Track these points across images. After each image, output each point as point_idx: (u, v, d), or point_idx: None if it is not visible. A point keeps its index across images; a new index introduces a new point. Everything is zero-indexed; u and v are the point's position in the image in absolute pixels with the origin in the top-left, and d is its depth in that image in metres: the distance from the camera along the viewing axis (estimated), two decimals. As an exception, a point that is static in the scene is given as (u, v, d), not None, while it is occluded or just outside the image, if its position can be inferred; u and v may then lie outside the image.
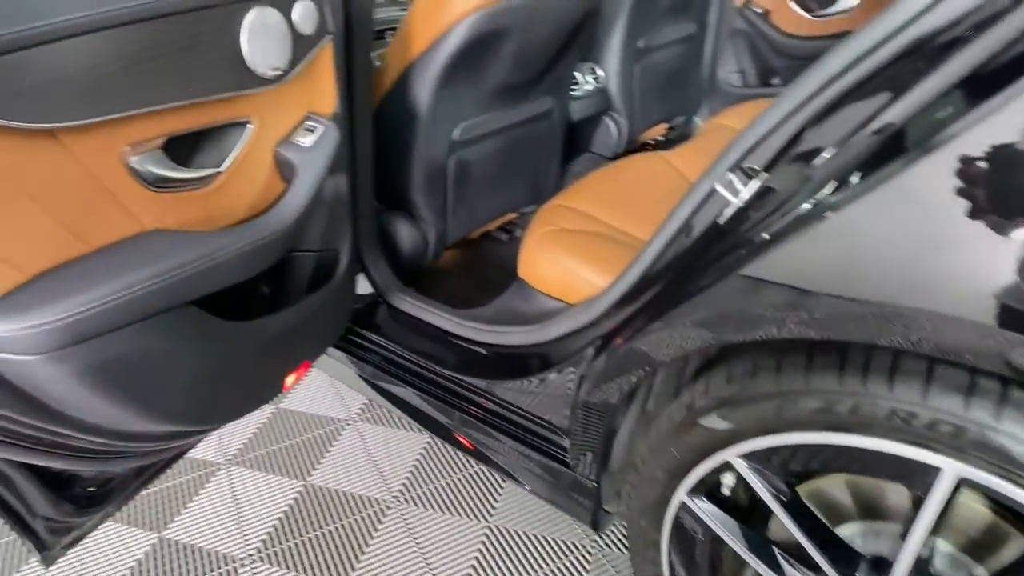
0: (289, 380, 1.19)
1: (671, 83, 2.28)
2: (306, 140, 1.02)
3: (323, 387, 1.94)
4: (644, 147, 2.44)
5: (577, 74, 1.94)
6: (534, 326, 1.22)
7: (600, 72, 2.00)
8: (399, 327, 1.43)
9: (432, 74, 1.34)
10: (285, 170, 1.03)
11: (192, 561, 1.42)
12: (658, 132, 2.44)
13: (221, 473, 1.65)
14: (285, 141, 1.02)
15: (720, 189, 0.84)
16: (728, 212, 0.84)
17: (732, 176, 0.84)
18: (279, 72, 0.94)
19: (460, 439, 1.38)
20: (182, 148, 0.87)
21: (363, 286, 1.48)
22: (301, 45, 0.97)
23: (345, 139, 1.17)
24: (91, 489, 1.01)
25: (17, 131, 0.65)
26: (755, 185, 0.82)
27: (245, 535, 1.48)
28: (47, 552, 0.98)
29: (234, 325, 0.97)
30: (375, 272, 1.45)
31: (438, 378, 1.36)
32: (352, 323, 1.48)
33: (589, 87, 1.96)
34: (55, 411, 0.80)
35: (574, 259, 1.24)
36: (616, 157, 2.17)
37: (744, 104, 2.04)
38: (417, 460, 1.67)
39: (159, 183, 0.83)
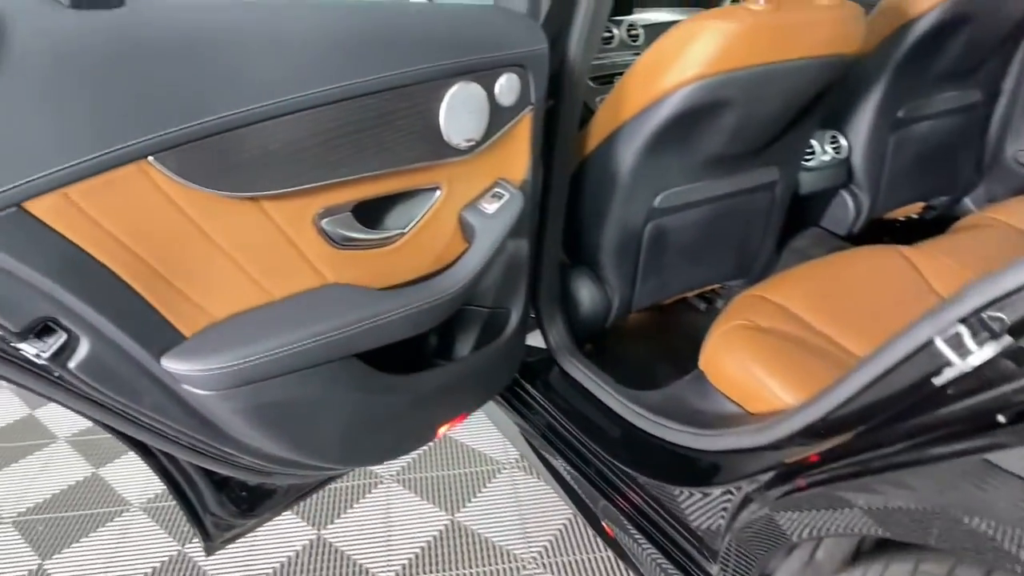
0: (441, 429, 1.21)
1: (936, 158, 1.95)
2: (490, 207, 1.02)
3: (490, 424, 1.97)
4: (888, 227, 2.13)
5: (814, 142, 1.74)
6: (702, 431, 1.11)
7: (843, 141, 1.78)
8: (563, 392, 1.39)
9: (639, 141, 1.28)
10: (467, 232, 1.04)
11: (340, 566, 1.51)
12: (912, 210, 2.11)
13: (382, 487, 1.74)
14: (470, 205, 1.03)
15: (941, 345, 0.67)
16: (949, 374, 0.68)
17: (962, 330, 0.67)
18: (472, 143, 0.95)
19: (603, 525, 1.30)
20: (370, 208, 0.92)
21: (539, 339, 1.47)
22: (499, 117, 0.98)
23: (534, 205, 1.16)
24: (253, 495, 1.12)
25: (225, 198, 0.72)
26: (994, 349, 0.64)
27: (389, 554, 1.54)
28: (210, 543, 1.09)
29: (392, 379, 1.01)
30: (550, 331, 1.43)
31: (592, 456, 1.29)
32: (520, 375, 1.47)
33: (827, 158, 1.75)
34: (224, 433, 0.88)
35: (762, 365, 1.10)
36: (851, 236, 1.92)
37: (1015, 203, 1.67)
38: (563, 525, 1.62)
39: (344, 242, 0.88)
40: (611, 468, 1.25)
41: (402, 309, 0.92)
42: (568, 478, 1.36)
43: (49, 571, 1.55)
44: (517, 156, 1.06)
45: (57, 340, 0.65)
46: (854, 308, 1.23)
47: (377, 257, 0.93)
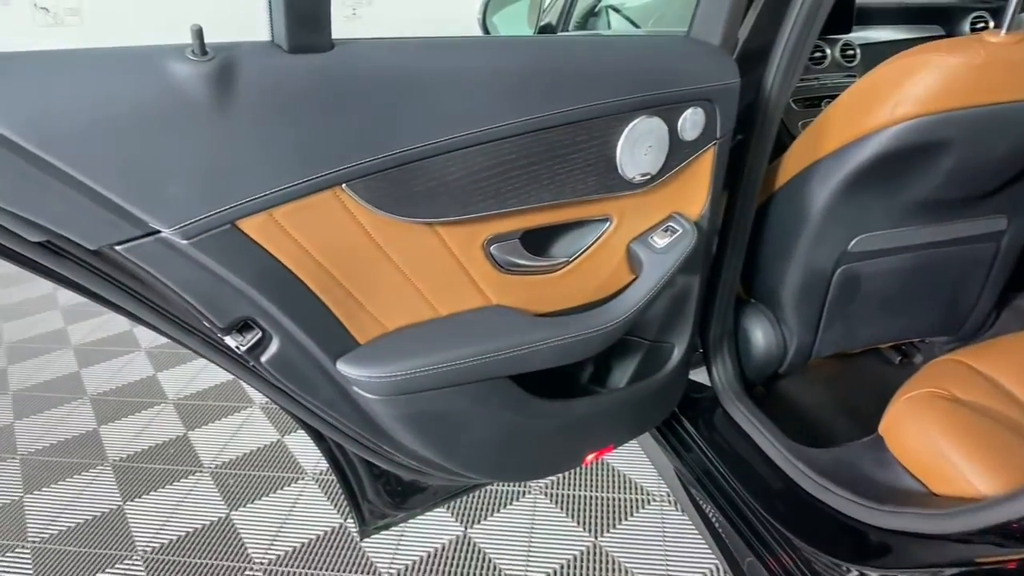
0: (589, 456, 1.21)
1: None
2: (661, 241, 1.00)
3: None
4: None
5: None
6: (875, 504, 1.01)
7: (1101, 191, 1.51)
8: (723, 436, 1.32)
9: (836, 179, 1.18)
10: (634, 265, 1.03)
11: (481, 566, 1.56)
12: None
13: (529, 498, 1.77)
14: (640, 238, 1.02)
15: None
16: None
17: None
18: (648, 177, 0.94)
19: None
20: (538, 235, 0.94)
21: (704, 376, 1.41)
22: (680, 151, 0.96)
23: (710, 240, 1.12)
24: (407, 490, 1.20)
25: (405, 223, 0.78)
26: None
27: (528, 564, 1.57)
28: (364, 527, 1.19)
29: (543, 403, 1.02)
30: (716, 369, 1.37)
31: (745, 508, 1.22)
32: (679, 411, 1.42)
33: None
34: (385, 433, 0.96)
35: (954, 442, 0.98)
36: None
37: None
38: (707, 571, 1.54)
39: (510, 267, 0.91)
40: (765, 524, 1.17)
41: (559, 338, 0.93)
42: (717, 526, 1.30)
43: (235, 521, 1.77)
44: (695, 190, 1.03)
45: (253, 336, 0.75)
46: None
47: (541, 283, 0.95)
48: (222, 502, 1.84)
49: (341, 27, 0.66)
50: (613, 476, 1.83)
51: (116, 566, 1.65)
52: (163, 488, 1.91)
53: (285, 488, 1.87)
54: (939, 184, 1.20)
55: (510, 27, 2.12)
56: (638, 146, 0.90)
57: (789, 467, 1.17)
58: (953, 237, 1.33)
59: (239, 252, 0.67)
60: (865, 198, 1.22)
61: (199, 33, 0.59)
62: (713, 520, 1.31)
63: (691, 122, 0.94)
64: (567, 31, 2.18)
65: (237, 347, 0.75)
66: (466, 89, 0.75)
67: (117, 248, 0.63)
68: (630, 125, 0.88)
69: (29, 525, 1.81)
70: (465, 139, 0.76)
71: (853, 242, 1.28)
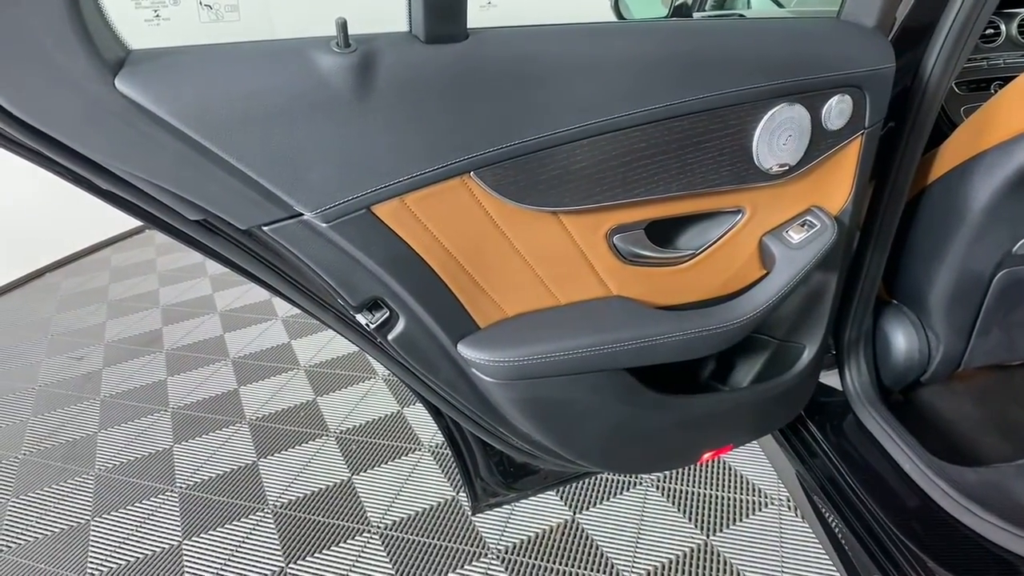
0: (706, 455, 1.17)
1: None
2: (797, 236, 0.95)
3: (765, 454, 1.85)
4: None
5: None
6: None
7: None
8: (854, 444, 1.24)
9: (1003, 174, 1.06)
10: (766, 260, 0.98)
11: (588, 552, 1.57)
12: None
13: (640, 489, 1.75)
14: (774, 232, 0.97)
15: None
16: None
17: None
18: (786, 168, 0.89)
19: None
20: (664, 225, 0.92)
21: (836, 379, 1.33)
22: (822, 141, 0.90)
23: (852, 236, 1.04)
24: (519, 472, 1.21)
25: (529, 211, 0.79)
26: None
27: (636, 555, 1.56)
28: (476, 503, 1.22)
29: (661, 397, 1.00)
30: (850, 373, 1.28)
31: (874, 523, 1.14)
32: (806, 413, 1.35)
33: None
34: (501, 415, 0.98)
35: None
36: None
37: None
38: (829, 584, 1.46)
39: (633, 257, 0.90)
40: (895, 542, 1.09)
41: (681, 333, 0.91)
42: (841, 538, 1.22)
43: (356, 485, 1.88)
44: (838, 183, 0.97)
45: (382, 316, 0.79)
46: None
47: (665, 275, 0.93)
48: (345, 466, 1.95)
49: (476, 16, 0.67)
50: (729, 475, 1.77)
51: (249, 517, 1.81)
52: (292, 448, 2.06)
53: (403, 457, 1.96)
54: None
55: (643, 11, 2.06)
56: (777, 135, 0.85)
57: (927, 483, 1.08)
58: None
59: (373, 236, 0.71)
60: (1038, 195, 1.09)
61: (343, 26, 0.61)
62: (837, 531, 1.24)
63: (837, 110, 0.87)
64: (703, 11, 2.09)
65: (367, 324, 0.79)
66: (598, 76, 0.74)
67: (264, 228, 0.68)
68: (769, 113, 0.84)
69: (177, 472, 2.02)
70: (595, 127, 0.75)
71: (1020, 244, 1.16)
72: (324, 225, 0.68)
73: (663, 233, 0.93)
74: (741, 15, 1.95)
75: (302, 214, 0.67)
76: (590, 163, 0.77)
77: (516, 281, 0.84)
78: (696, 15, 2.07)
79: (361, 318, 0.80)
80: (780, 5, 1.94)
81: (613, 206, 0.83)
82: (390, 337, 0.82)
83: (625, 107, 0.76)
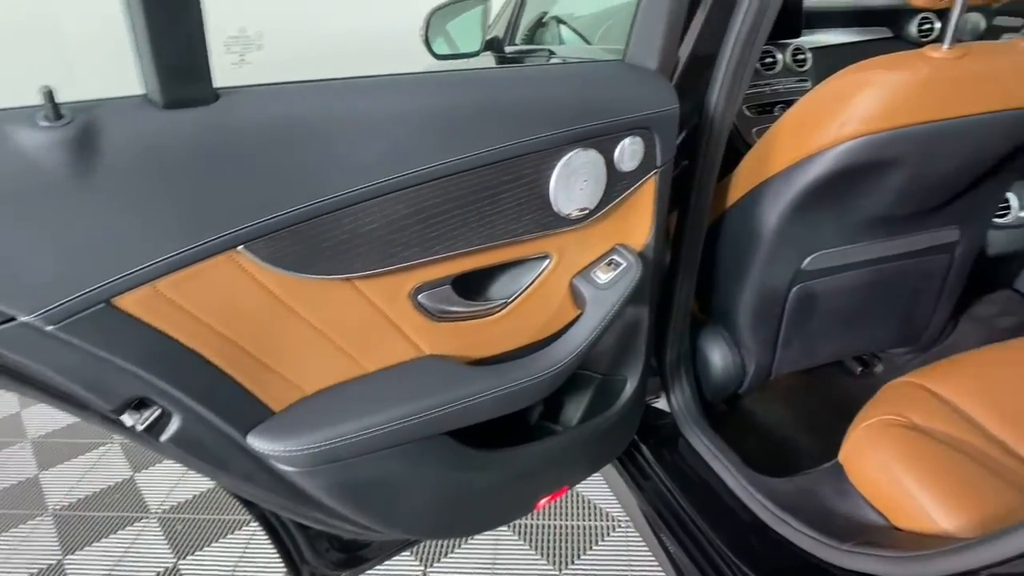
0: (542, 501, 1.15)
1: None
2: (604, 276, 0.95)
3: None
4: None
5: (1011, 196, 1.48)
6: (835, 542, 0.97)
7: (1049, 195, 1.50)
8: (682, 465, 1.28)
9: (786, 199, 1.15)
10: (578, 301, 0.98)
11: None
12: None
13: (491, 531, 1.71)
14: (583, 273, 0.96)
15: None
16: None
17: None
18: (586, 212, 0.89)
19: None
20: (472, 278, 0.88)
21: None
22: (618, 183, 0.91)
23: (657, 268, 1.07)
24: (349, 548, 1.13)
25: (317, 280, 0.72)
26: None
27: (492, 603, 1.51)
28: (308, 592, 1.12)
29: (487, 456, 0.96)
30: (674, 394, 1.32)
31: (706, 543, 1.17)
32: (639, 437, 1.37)
33: (1024, 214, 1.49)
34: (313, 501, 0.88)
35: (912, 472, 0.94)
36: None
37: None
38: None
39: (443, 314, 0.85)
40: (726, 560, 1.13)
41: (500, 388, 0.87)
42: (676, 560, 1.25)
43: (67, 569, 1.68)
44: (638, 220, 0.99)
45: (152, 414, 0.68)
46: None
47: (478, 327, 0.89)
48: (57, 547, 1.76)
49: (228, 74, 0.59)
50: (577, 502, 1.78)
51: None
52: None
53: (235, 533, 1.78)
54: (890, 200, 1.17)
55: (459, 42, 2.05)
56: (573, 181, 0.85)
57: (749, 498, 1.13)
58: (907, 250, 1.31)
59: (119, 331, 0.60)
60: (816, 217, 1.18)
61: (50, 95, 0.51)
62: (673, 553, 1.27)
63: (629, 152, 0.89)
64: (515, 44, 2.12)
65: (134, 426, 0.68)
66: (378, 133, 0.69)
67: None
68: (564, 159, 0.83)
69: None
70: (378, 187, 0.69)
71: (807, 260, 1.25)
72: (50, 327, 0.57)
73: (472, 285, 0.89)
74: (550, 51, 2.00)
75: (14, 318, 0.56)
76: (380, 224, 0.72)
77: (313, 355, 0.77)
78: (508, 49, 2.10)
79: (127, 418, 0.68)
80: (587, 42, 2.01)
81: (413, 265, 0.78)
82: (163, 439, 0.71)
83: (412, 163, 0.71)
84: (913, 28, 2.09)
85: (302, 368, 0.77)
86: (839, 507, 1.04)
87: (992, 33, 2.03)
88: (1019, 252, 1.53)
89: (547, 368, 0.91)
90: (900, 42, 2.13)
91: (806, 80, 1.93)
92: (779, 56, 1.90)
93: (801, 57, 1.93)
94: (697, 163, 1.09)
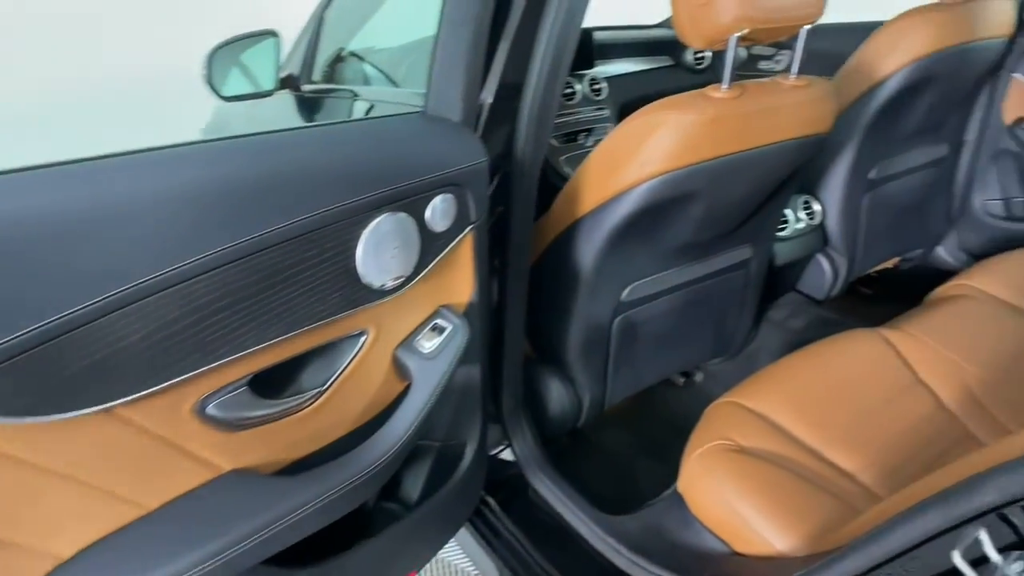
0: (388, 591, 1.06)
1: (909, 214, 1.88)
2: (429, 344, 0.89)
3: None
4: (864, 282, 2.04)
5: (788, 211, 1.64)
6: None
7: (816, 207, 1.69)
8: (532, 516, 1.25)
9: (599, 237, 1.16)
10: (404, 374, 0.90)
11: None
12: (887, 264, 2.03)
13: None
14: (406, 343, 0.89)
15: (965, 570, 0.55)
16: None
17: (983, 539, 0.55)
18: (401, 280, 0.82)
19: None
20: (276, 371, 0.77)
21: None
22: (433, 245, 0.85)
23: (484, 322, 1.03)
24: None
25: (58, 420, 0.57)
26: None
27: None
28: None
29: (319, 570, 0.85)
30: (516, 442, 1.29)
31: None
32: (490, 494, 1.31)
33: (801, 225, 1.65)
34: None
35: (745, 498, 0.98)
36: (829, 299, 1.82)
37: (1007, 256, 1.58)
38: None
39: (242, 422, 0.73)
40: None
41: (323, 496, 0.77)
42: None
43: None
44: (460, 279, 0.94)
45: None
46: (841, 411, 1.11)
47: (290, 426, 0.78)
48: None
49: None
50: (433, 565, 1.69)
51: None
52: None
53: None
54: (693, 229, 1.23)
55: (249, 81, 1.88)
56: (383, 248, 0.77)
57: (600, 542, 1.12)
58: (711, 271, 1.39)
59: None
60: (630, 250, 1.21)
61: None
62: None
63: (441, 212, 0.83)
64: (313, 82, 2.00)
65: None
66: (131, 224, 0.57)
67: None
68: (370, 226, 0.75)
69: None
70: (137, 290, 0.56)
71: (626, 291, 1.28)
72: None
73: (276, 380, 0.78)
74: (352, 91, 1.91)
75: None
76: (144, 334, 0.59)
77: (66, 510, 0.61)
78: (305, 87, 1.97)
79: None
80: (392, 81, 1.94)
81: (193, 376, 0.65)
82: None
83: (180, 255, 0.59)
84: (689, 57, 2.29)
85: (52, 529, 0.60)
86: (684, 539, 1.06)
87: (752, 60, 2.29)
88: (799, 259, 1.70)
89: (377, 459, 0.82)
90: (680, 69, 2.32)
91: (604, 108, 2.03)
92: (577, 87, 1.98)
93: (597, 87, 2.02)
94: (512, 208, 1.07)
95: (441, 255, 0.86)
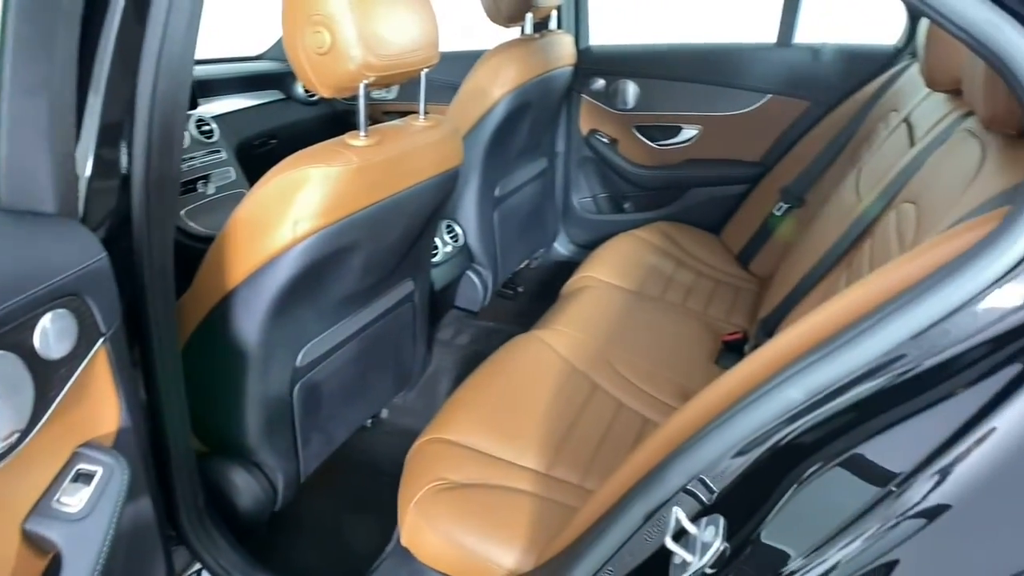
0: None
1: (530, 221, 2.15)
2: (74, 502, 0.69)
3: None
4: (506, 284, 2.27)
5: (437, 240, 1.72)
6: None
7: (458, 229, 1.80)
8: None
9: (260, 305, 1.05)
10: (46, 547, 0.68)
11: None
12: (521, 267, 2.29)
13: None
14: (40, 508, 0.68)
15: (673, 548, 0.62)
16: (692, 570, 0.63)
17: (679, 515, 0.63)
18: (15, 437, 0.61)
19: None
20: None
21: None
22: (53, 377, 0.66)
23: (147, 449, 0.85)
24: None
25: None
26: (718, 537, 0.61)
27: None
28: None
29: None
30: (208, 557, 1.10)
31: None
32: None
33: (449, 249, 1.75)
34: None
35: (469, 532, 1.00)
36: (484, 309, 1.97)
37: (607, 246, 1.91)
38: None
39: None
40: None
41: None
42: None
43: None
44: (100, 407, 0.75)
45: None
46: (528, 419, 1.21)
47: None
48: None
49: None
50: None
51: None
52: None
53: None
54: (357, 277, 1.20)
55: None
56: None
57: None
58: (381, 312, 1.38)
59: None
60: (296, 312, 1.13)
61: None
62: None
63: (55, 334, 0.65)
64: None
65: None
66: None
67: None
68: None
69: None
70: None
71: (300, 356, 1.19)
72: None
73: None
74: None
75: None
76: None
77: None
78: None
79: None
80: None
81: None
82: None
83: None
84: (300, 90, 2.24)
85: None
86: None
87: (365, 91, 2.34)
88: (453, 280, 1.80)
89: None
90: (293, 102, 2.25)
91: (219, 150, 1.87)
92: (185, 131, 1.78)
93: (207, 128, 1.85)
94: (147, 294, 0.89)
95: (67, 386, 0.67)
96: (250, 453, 1.19)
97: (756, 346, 1.34)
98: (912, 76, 1.63)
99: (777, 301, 1.34)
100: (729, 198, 2.12)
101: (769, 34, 2.04)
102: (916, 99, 1.42)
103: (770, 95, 2.02)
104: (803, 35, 2.00)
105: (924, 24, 1.24)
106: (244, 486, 1.20)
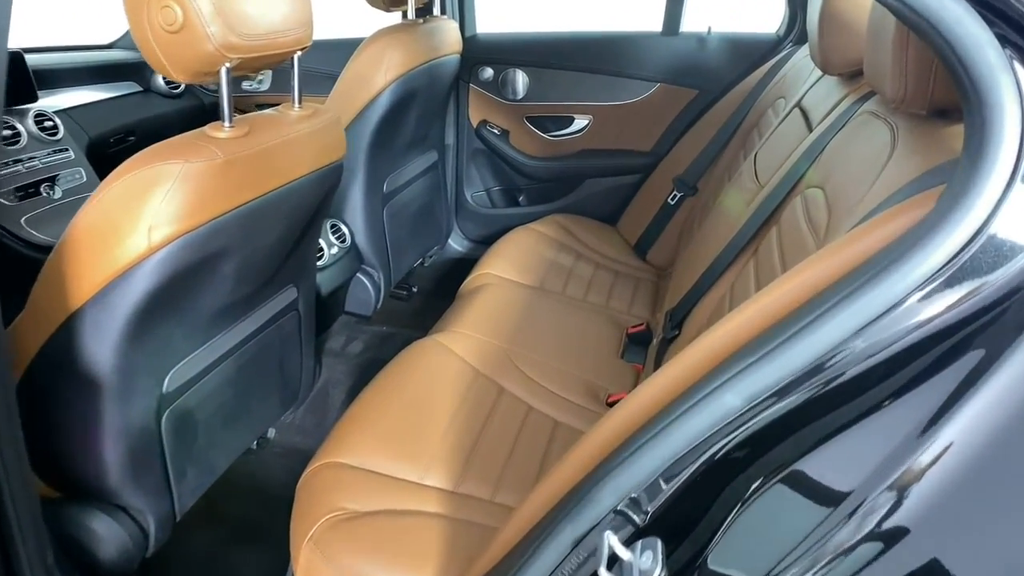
0: None
1: (422, 217, 2.04)
2: None
3: None
4: (400, 287, 2.16)
5: (322, 242, 1.59)
6: None
7: (345, 229, 1.68)
8: None
9: (114, 326, 0.91)
10: None
11: None
12: (414, 265, 2.19)
13: None
14: None
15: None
16: None
17: (611, 541, 0.57)
18: None
19: None
20: None
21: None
22: None
23: None
24: None
25: None
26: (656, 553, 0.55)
27: None
28: None
29: None
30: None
31: None
32: None
33: (335, 251, 1.62)
34: None
35: (374, 566, 0.90)
36: (377, 313, 1.85)
37: (504, 241, 1.84)
38: None
39: None
40: None
41: None
42: None
43: None
44: None
45: None
46: (431, 433, 1.12)
47: None
48: None
49: None
50: None
51: None
52: None
53: None
54: (230, 287, 1.06)
55: None
56: None
57: None
58: (261, 323, 1.24)
59: None
60: (159, 331, 0.98)
61: None
62: None
63: None
64: None
65: None
66: None
67: None
68: None
69: None
70: None
71: (167, 381, 1.04)
72: None
73: None
74: None
75: None
76: None
77: None
78: None
79: None
80: None
81: None
82: None
83: None
84: (160, 81, 2.03)
85: None
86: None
87: (234, 82, 2.15)
88: (342, 284, 1.67)
89: None
90: (153, 95, 2.05)
91: (66, 149, 1.65)
92: (21, 126, 1.56)
93: (50, 124, 1.63)
94: None
95: None
96: (112, 495, 1.03)
97: (665, 339, 1.33)
98: (796, 63, 1.67)
99: (683, 292, 1.32)
100: (624, 188, 2.11)
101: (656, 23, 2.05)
102: (806, 85, 1.44)
103: (659, 84, 2.03)
104: (689, 24, 2.02)
105: (814, 10, 1.25)
106: (106, 533, 1.04)
